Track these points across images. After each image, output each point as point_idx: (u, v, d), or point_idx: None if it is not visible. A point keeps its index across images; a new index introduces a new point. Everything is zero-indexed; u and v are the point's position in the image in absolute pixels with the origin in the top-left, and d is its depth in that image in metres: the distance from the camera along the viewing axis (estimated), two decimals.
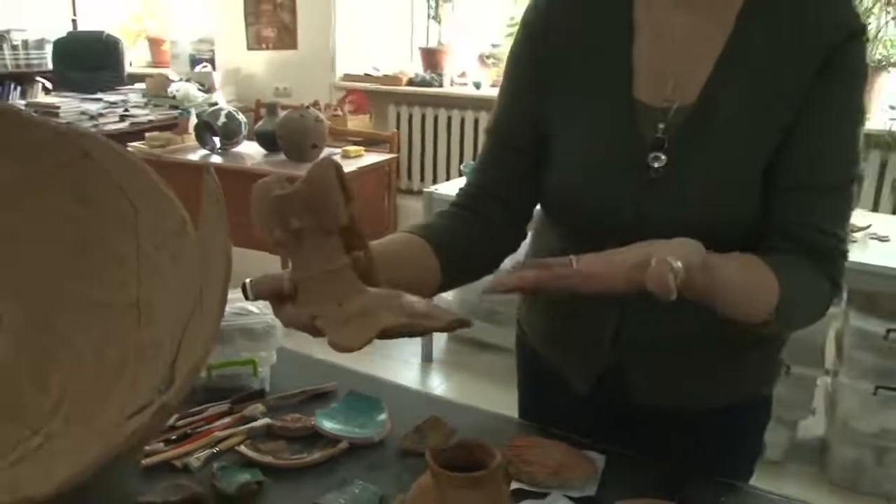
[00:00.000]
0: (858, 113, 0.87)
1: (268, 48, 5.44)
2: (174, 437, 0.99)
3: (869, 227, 2.36)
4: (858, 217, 2.45)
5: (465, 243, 0.93)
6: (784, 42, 0.85)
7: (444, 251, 0.90)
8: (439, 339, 3.32)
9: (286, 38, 5.36)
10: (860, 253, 2.20)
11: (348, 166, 3.39)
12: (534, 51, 0.96)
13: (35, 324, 1.05)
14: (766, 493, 0.95)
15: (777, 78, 0.85)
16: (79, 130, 1.02)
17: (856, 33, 0.84)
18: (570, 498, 0.89)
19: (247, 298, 0.71)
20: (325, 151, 3.52)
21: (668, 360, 0.95)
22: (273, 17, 5.38)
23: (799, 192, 0.86)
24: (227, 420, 1.04)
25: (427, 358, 3.20)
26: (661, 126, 0.88)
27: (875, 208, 3.63)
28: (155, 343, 0.96)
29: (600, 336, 0.97)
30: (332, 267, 0.68)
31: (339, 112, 4.65)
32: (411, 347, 3.21)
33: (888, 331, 2.10)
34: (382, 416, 1.03)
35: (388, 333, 0.66)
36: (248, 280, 0.70)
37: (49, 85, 5.55)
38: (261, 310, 1.16)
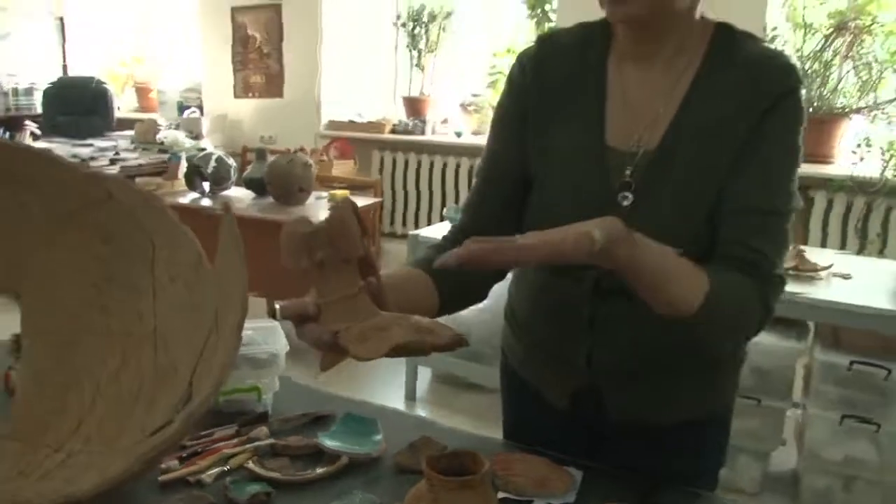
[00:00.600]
0: (795, 153, 0.99)
1: (255, 96, 5.59)
2: (186, 455, 1.07)
3: (832, 265, 2.49)
4: (823, 256, 2.59)
5: (458, 274, 1.03)
6: (733, 96, 0.98)
7: (440, 281, 1.02)
8: (423, 379, 3.40)
9: (273, 86, 5.51)
10: (824, 290, 2.32)
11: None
12: (518, 104, 1.09)
13: (57, 354, 1.13)
14: (730, 500, 1.05)
15: (727, 126, 0.97)
16: (104, 173, 1.13)
17: (794, 89, 0.97)
18: None
19: (274, 318, 0.81)
20: (312, 196, 3.63)
21: (636, 379, 1.06)
22: (260, 66, 5.53)
23: (740, 216, 0.96)
24: (234, 441, 1.12)
25: (410, 397, 3.27)
26: (629, 169, 1.01)
27: (842, 248, 3.78)
28: (172, 367, 1.05)
29: (574, 359, 1.07)
30: (350, 292, 0.78)
31: (325, 158, 4.77)
32: (395, 387, 3.28)
33: (851, 363, 2.21)
34: (378, 436, 1.11)
35: (399, 348, 0.76)
36: (277, 304, 0.79)
37: (38, 130, 5.64)
38: (265, 340, 1.25)
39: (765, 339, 2.35)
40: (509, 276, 1.19)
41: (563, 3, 4.21)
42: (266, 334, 1.26)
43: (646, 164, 1.00)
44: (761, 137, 0.96)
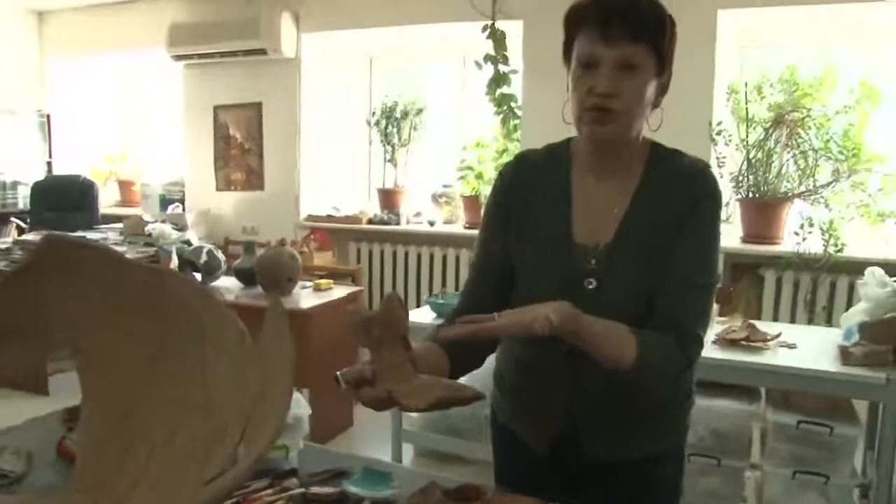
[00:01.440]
0: (713, 241, 1.29)
1: (236, 189, 5.84)
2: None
3: (780, 335, 2.75)
4: (772, 328, 2.86)
5: (462, 346, 1.29)
6: (668, 201, 1.28)
7: (450, 352, 1.28)
8: (407, 452, 3.56)
9: (254, 180, 5.78)
10: (772, 357, 2.58)
11: (320, 298, 3.71)
12: (501, 209, 1.38)
13: (114, 421, 1.32)
14: None
15: (664, 224, 1.27)
16: (159, 266, 1.34)
17: (711, 193, 1.30)
18: None
19: (339, 385, 1.04)
20: (298, 286, 3.84)
21: (606, 423, 1.30)
22: (241, 162, 5.81)
23: (669, 288, 1.25)
24: (270, 491, 1.31)
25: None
26: (593, 260, 1.28)
27: (792, 321, 4.06)
28: (221, 430, 1.25)
29: (554, 410, 1.31)
30: (399, 361, 1.04)
31: (305, 249, 5.00)
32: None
33: (799, 422, 2.45)
34: (394, 483, 1.32)
35: (439, 402, 1.01)
36: (338, 372, 1.04)
37: (24, 225, 5.81)
38: (292, 406, 1.46)
39: (721, 404, 2.59)
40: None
41: (526, 101, 4.58)
42: (293, 402, 1.46)
43: (605, 255, 1.28)
44: (687, 231, 1.25)
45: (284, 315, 1.15)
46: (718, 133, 4.17)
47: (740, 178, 4.26)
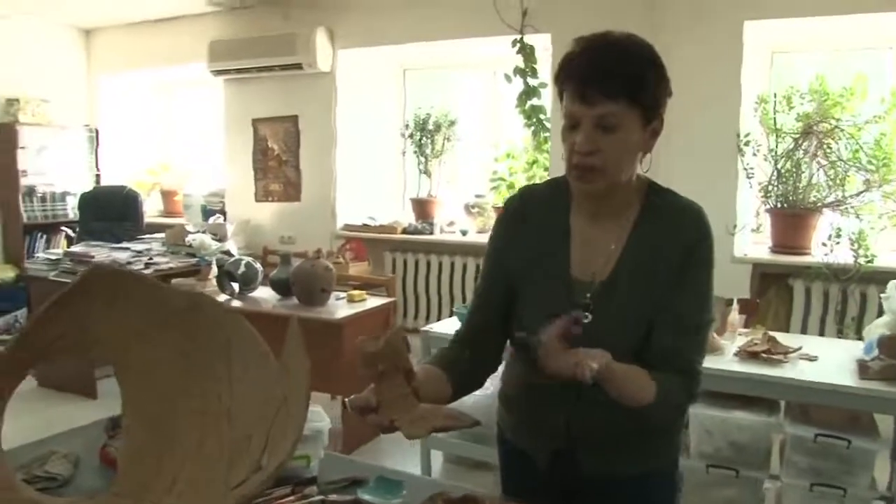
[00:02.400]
0: (707, 282, 1.35)
1: (274, 200, 6.01)
2: None
3: (800, 348, 2.78)
4: (793, 340, 2.89)
5: (464, 368, 1.40)
6: (663, 242, 1.34)
7: (451, 375, 1.38)
8: (437, 459, 3.66)
9: (291, 191, 5.94)
10: (791, 370, 2.61)
11: (354, 309, 3.82)
12: (506, 239, 1.47)
13: (152, 429, 1.44)
14: None
15: (659, 264, 1.33)
16: (194, 290, 1.46)
17: (705, 236, 1.35)
18: None
19: (347, 410, 1.17)
20: (333, 296, 3.95)
21: (604, 440, 1.38)
22: (279, 173, 5.97)
23: (674, 329, 1.32)
24: (292, 498, 1.42)
25: (426, 473, 3.52)
26: (588, 295, 1.36)
27: (821, 333, 4.06)
28: (246, 438, 1.36)
29: (555, 426, 1.39)
30: (401, 393, 1.14)
31: (341, 259, 5.12)
32: (411, 468, 3.54)
33: (816, 435, 2.49)
34: (404, 492, 1.42)
35: (437, 429, 1.11)
36: (347, 399, 1.15)
37: (72, 234, 6.04)
38: (311, 419, 1.56)
39: (739, 416, 2.64)
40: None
41: (556, 113, 4.65)
42: (314, 415, 1.58)
43: (600, 291, 1.35)
44: (683, 274, 1.33)
45: (300, 335, 1.25)
46: (746, 144, 4.19)
47: (769, 189, 4.27)
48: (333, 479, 1.51)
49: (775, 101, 4.23)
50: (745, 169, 4.21)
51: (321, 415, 1.58)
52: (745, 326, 3.41)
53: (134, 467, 1.41)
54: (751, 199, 4.41)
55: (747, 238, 4.46)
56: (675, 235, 1.34)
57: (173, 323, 1.46)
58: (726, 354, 2.78)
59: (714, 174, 4.25)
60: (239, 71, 5.73)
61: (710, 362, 2.70)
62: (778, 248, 4.29)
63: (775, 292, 4.25)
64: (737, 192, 4.28)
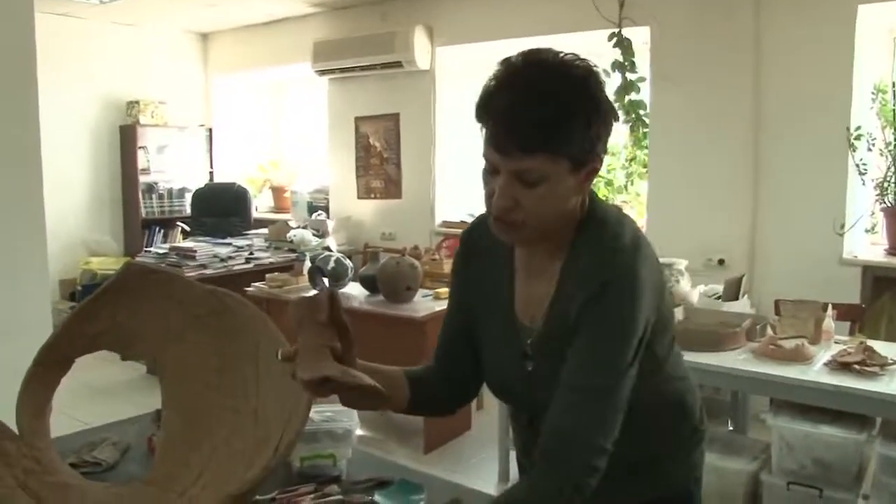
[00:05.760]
0: (617, 332, 1.11)
1: (375, 197, 6.12)
2: None
3: None
4: (889, 349, 2.67)
5: (432, 390, 1.35)
6: (578, 283, 1.15)
7: (413, 386, 1.32)
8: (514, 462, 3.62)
9: (392, 188, 6.03)
10: (887, 384, 2.41)
11: (437, 307, 3.81)
12: (460, 276, 1.39)
13: (186, 422, 1.50)
14: None
15: (574, 309, 1.14)
16: (224, 290, 1.50)
17: (617, 277, 1.11)
18: None
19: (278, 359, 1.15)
20: (419, 294, 3.98)
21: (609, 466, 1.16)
22: (380, 171, 6.08)
23: (554, 407, 1.12)
24: (312, 496, 1.44)
25: (503, 479, 3.50)
26: (529, 341, 1.23)
27: None
28: (266, 437, 1.39)
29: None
30: (317, 344, 1.13)
31: (437, 257, 5.14)
32: (488, 470, 3.53)
33: None
34: (421, 495, 1.41)
35: (326, 379, 1.08)
36: (279, 349, 1.15)
37: (187, 228, 6.38)
38: (342, 418, 1.58)
39: (827, 431, 2.47)
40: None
41: (654, 108, 4.50)
42: (343, 414, 1.59)
43: (538, 338, 1.22)
44: (585, 321, 1.13)
45: None
46: (857, 138, 3.90)
47: (885, 186, 3.97)
48: (360, 479, 1.51)
49: (895, 91, 3.93)
50: (857, 165, 3.93)
51: (352, 414, 1.59)
52: (850, 334, 3.20)
53: (167, 458, 1.47)
54: (864, 198, 4.11)
55: (859, 239, 4.17)
56: (585, 277, 1.14)
57: (207, 322, 1.50)
58: (815, 364, 2.61)
59: (821, 170, 4.00)
60: (342, 70, 5.87)
61: (795, 372, 2.59)
62: (894, 249, 3.98)
63: (890, 298, 3.95)
64: (846, 189, 4.00)
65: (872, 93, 4.06)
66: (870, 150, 3.97)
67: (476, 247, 1.35)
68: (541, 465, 1.09)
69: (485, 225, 1.28)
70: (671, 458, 1.33)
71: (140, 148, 6.40)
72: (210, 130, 7.01)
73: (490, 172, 1.15)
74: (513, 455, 3.52)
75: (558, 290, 1.19)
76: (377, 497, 1.40)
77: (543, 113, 1.06)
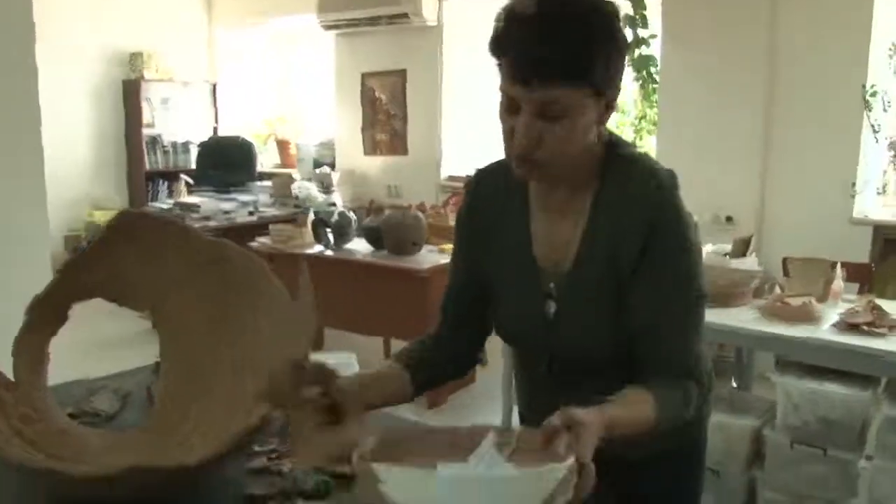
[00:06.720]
0: (679, 265, 1.14)
1: (382, 153, 6.06)
2: (273, 455, 1.39)
3: None
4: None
5: (434, 369, 1.32)
6: (622, 223, 1.14)
7: (414, 373, 1.28)
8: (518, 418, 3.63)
9: (398, 143, 5.97)
10: (895, 344, 2.38)
11: (442, 261, 3.77)
12: (466, 228, 1.33)
13: (185, 374, 1.48)
14: None
15: (621, 250, 1.14)
16: (223, 240, 1.47)
17: (673, 220, 1.14)
18: None
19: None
20: (425, 249, 3.95)
21: None
22: (387, 126, 6.01)
23: (649, 339, 1.14)
24: None
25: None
26: (552, 284, 1.21)
27: None
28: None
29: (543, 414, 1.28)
30: (311, 424, 1.13)
31: (442, 211, 5.11)
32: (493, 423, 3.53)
33: None
34: None
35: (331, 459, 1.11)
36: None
37: (191, 181, 6.35)
38: (342, 369, 1.56)
39: (831, 389, 2.45)
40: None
41: (665, 66, 4.41)
42: (343, 365, 1.57)
43: (564, 281, 1.20)
44: (649, 259, 1.13)
45: (306, 274, 1.26)
46: (873, 94, 3.82)
47: None
48: None
49: None
50: (872, 125, 3.85)
51: (353, 364, 1.57)
52: (859, 293, 3.16)
53: (165, 407, 1.45)
54: (877, 158, 4.04)
55: (871, 199, 4.11)
56: (634, 216, 1.13)
57: (207, 270, 1.48)
58: (823, 323, 2.58)
59: (834, 128, 3.93)
60: (347, 24, 5.77)
61: (802, 331, 2.55)
62: None
63: None
64: (860, 148, 3.93)
65: (890, 49, 3.97)
66: (885, 110, 3.89)
67: (482, 196, 1.32)
68: (669, 381, 1.12)
69: (491, 174, 1.28)
70: None
71: (144, 100, 6.33)
72: (214, 86, 6.93)
73: (508, 111, 1.12)
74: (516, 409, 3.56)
75: (589, 226, 1.17)
76: None
77: (567, 41, 1.04)
